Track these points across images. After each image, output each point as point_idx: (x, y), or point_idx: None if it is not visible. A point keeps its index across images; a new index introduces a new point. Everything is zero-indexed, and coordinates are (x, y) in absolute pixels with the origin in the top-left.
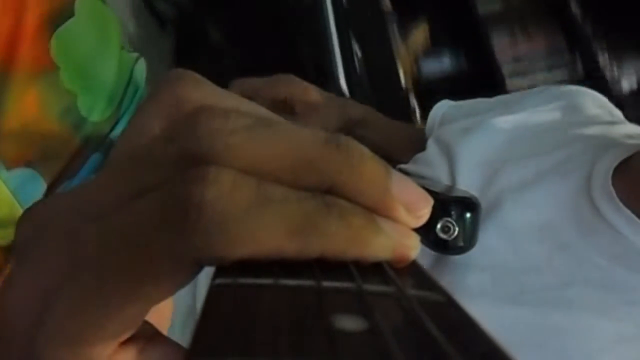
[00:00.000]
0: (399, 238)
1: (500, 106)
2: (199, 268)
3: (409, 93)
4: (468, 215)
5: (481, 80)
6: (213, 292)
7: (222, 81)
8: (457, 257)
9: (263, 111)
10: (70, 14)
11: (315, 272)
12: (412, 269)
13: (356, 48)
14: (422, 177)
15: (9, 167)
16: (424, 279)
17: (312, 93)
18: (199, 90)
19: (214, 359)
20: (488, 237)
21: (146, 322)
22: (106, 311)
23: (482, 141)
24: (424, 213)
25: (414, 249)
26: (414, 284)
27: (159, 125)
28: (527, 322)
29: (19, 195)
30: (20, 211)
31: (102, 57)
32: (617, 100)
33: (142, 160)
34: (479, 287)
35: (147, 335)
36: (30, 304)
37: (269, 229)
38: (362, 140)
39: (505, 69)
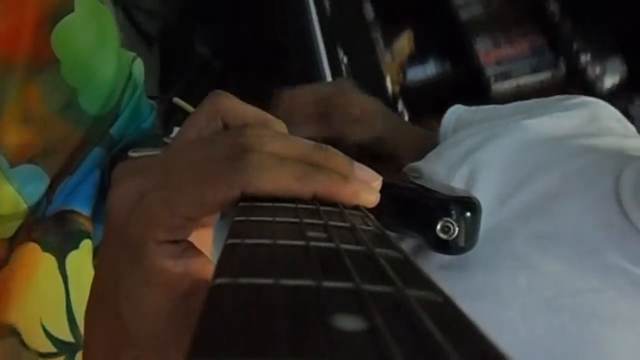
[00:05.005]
0: (363, 187)
1: (520, 112)
2: (236, 199)
3: (396, 99)
4: (468, 215)
5: (466, 84)
6: (213, 292)
7: (209, 91)
8: (488, 259)
9: (278, 124)
10: (70, 9)
11: (316, 271)
12: (412, 270)
13: (342, 56)
14: (423, 177)
15: (12, 164)
16: (423, 279)
17: (355, 107)
18: (229, 103)
19: (214, 359)
20: (518, 243)
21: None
22: (179, 206)
23: (506, 146)
24: (376, 185)
25: (372, 195)
26: (414, 284)
27: (205, 125)
28: (561, 328)
29: (22, 191)
30: (24, 206)
31: (101, 53)
32: (599, 96)
33: (208, 143)
34: (514, 290)
35: (193, 246)
36: (129, 197)
37: (284, 175)
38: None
39: (489, 72)
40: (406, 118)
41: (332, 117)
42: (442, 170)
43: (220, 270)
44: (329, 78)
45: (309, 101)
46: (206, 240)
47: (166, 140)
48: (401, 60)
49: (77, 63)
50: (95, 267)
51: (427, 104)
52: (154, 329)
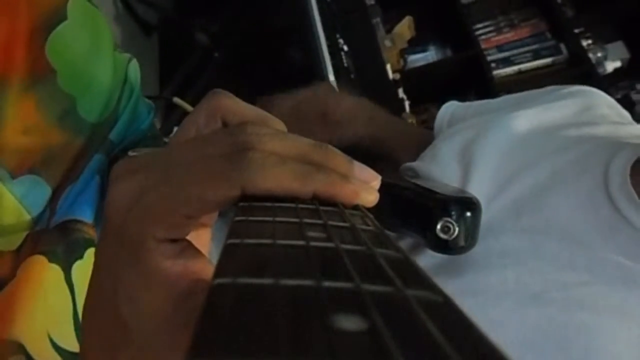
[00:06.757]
0: (363, 186)
1: (512, 105)
2: (236, 198)
3: (396, 84)
4: (468, 215)
5: (467, 70)
6: (213, 292)
7: (210, 81)
8: (477, 257)
9: (277, 122)
10: (63, 17)
11: (316, 271)
12: (412, 270)
13: (342, 44)
14: (420, 177)
15: (13, 175)
16: (423, 279)
17: (340, 108)
18: (229, 102)
19: (214, 359)
20: (508, 239)
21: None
22: (178, 203)
23: (497, 141)
24: (375, 184)
25: (372, 195)
26: (414, 284)
27: (204, 123)
28: (551, 321)
29: (25, 202)
30: (28, 217)
31: (97, 58)
32: (601, 81)
33: (208, 141)
34: (502, 287)
35: (191, 245)
36: (129, 194)
37: (285, 174)
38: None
39: (491, 57)
40: (407, 105)
41: (309, 123)
42: (437, 169)
43: (220, 270)
44: (329, 66)
45: (284, 109)
46: (204, 240)
47: (166, 140)
48: (401, 45)
49: (74, 71)
50: (93, 264)
51: (428, 90)
52: (153, 328)
